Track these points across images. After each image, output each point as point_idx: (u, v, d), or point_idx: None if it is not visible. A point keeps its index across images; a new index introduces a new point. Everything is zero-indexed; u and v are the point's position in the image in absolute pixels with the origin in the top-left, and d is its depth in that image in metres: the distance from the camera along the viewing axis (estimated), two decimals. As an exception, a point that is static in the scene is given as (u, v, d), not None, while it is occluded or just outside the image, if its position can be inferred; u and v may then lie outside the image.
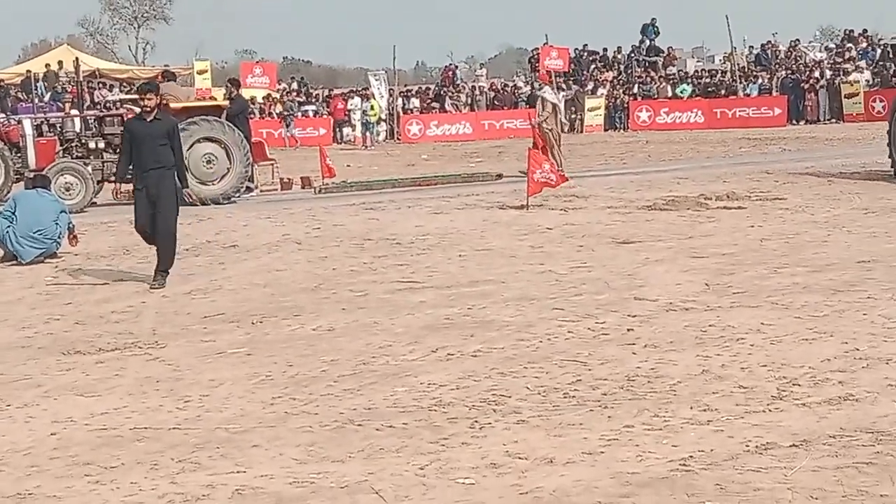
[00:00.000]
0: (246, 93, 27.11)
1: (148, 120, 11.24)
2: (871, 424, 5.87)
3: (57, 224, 13.13)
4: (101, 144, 19.82)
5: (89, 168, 19.26)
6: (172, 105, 19.81)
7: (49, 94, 38.22)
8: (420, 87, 50.41)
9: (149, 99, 11.28)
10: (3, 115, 27.68)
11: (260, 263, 12.40)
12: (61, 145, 19.72)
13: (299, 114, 42.09)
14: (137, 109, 20.40)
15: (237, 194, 19.84)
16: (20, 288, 11.50)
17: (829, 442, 5.64)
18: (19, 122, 20.50)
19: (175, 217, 11.35)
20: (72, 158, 19.46)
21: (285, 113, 40.00)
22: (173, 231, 11.33)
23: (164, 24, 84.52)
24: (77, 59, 27.91)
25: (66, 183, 18.68)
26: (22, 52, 74.90)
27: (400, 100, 43.44)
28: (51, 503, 5.32)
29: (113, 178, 20.01)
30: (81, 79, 21.82)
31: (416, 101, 44.66)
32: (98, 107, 32.75)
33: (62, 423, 6.56)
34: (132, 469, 5.69)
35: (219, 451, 5.92)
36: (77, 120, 20.24)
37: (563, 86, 43.24)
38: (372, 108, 39.87)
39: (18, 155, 19.80)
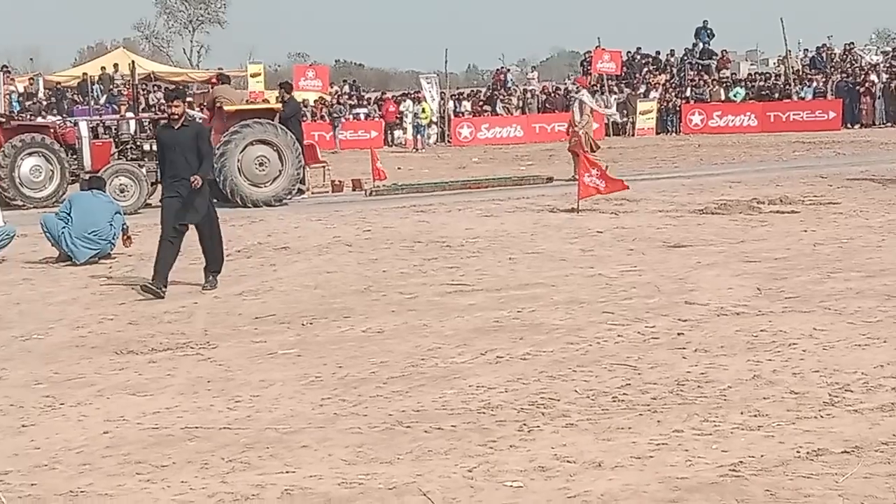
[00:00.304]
0: (298, 96, 27.27)
1: (176, 127, 11.29)
2: (924, 432, 5.80)
3: (111, 225, 13.29)
4: (156, 147, 19.99)
5: (143, 170, 19.46)
6: (226, 108, 20.01)
7: (105, 96, 38.63)
8: (472, 91, 50.36)
9: (176, 106, 11.31)
10: (60, 118, 28.09)
11: (310, 265, 12.46)
12: (116, 147, 19.96)
13: (350, 116, 42.24)
14: (190, 113, 20.88)
15: (289, 196, 19.96)
16: (75, 288, 11.64)
17: (881, 448, 5.58)
18: (75, 124, 20.77)
19: (215, 219, 11.42)
20: (126, 160, 19.68)
21: (333, 115, 40.14)
22: (218, 233, 11.41)
23: (218, 28, 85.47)
24: (133, 62, 28.23)
25: (120, 184, 18.90)
26: (78, 55, 75.70)
27: (451, 103, 43.44)
28: (103, 501, 5.38)
29: None
30: (137, 82, 22.03)
31: (467, 105, 44.66)
32: (153, 109, 33.08)
33: (115, 421, 6.64)
34: (183, 468, 5.74)
35: (268, 451, 5.96)
36: (132, 122, 20.47)
37: (616, 89, 43.20)
38: (423, 110, 39.92)
39: (74, 157, 20.07)
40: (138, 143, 19.99)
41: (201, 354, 8.34)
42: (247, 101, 23.15)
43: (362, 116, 43.15)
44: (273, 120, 20.04)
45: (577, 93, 23.27)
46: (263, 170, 19.58)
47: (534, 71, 52.87)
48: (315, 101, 41.46)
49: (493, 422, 6.31)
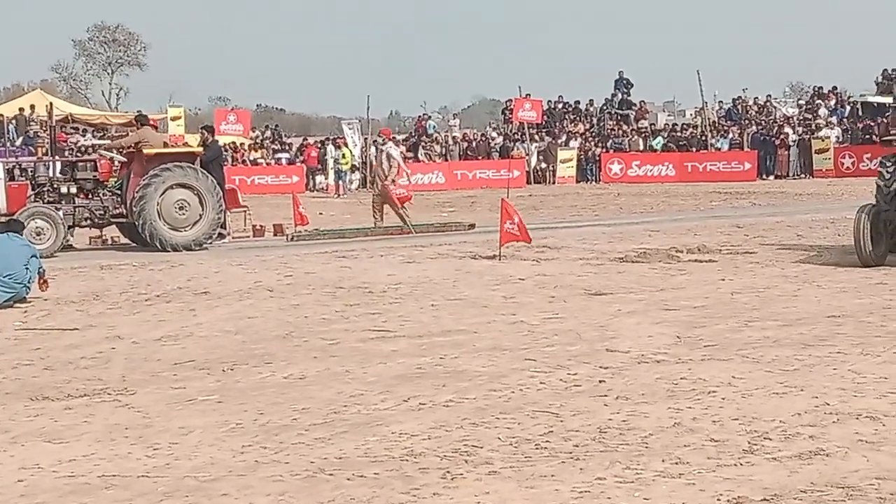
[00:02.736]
0: (220, 140, 27.11)
1: None
2: (841, 479, 5.88)
3: (27, 268, 13.05)
4: (74, 189, 19.79)
5: (61, 213, 19.20)
6: (146, 151, 19.83)
7: (21, 138, 38.08)
8: (394, 137, 50.44)
9: None
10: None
11: (231, 310, 12.35)
12: (33, 190, 19.66)
13: (271, 161, 42.08)
14: (109, 155, 20.68)
15: (209, 241, 19.80)
16: (-12, 332, 11.40)
17: (800, 497, 5.65)
18: (-10, 166, 20.39)
19: None
20: (43, 203, 19.39)
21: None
22: None
23: (138, 70, 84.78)
24: (50, 103, 27.84)
25: (36, 227, 18.59)
26: (-6, 96, 74.60)
27: (373, 149, 43.48)
28: (16, 551, 5.25)
29: (84, 224, 20.11)
30: (54, 123, 21.76)
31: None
32: (71, 152, 32.65)
33: (29, 469, 6.49)
34: (100, 517, 5.63)
35: (188, 499, 5.86)
36: (49, 164, 20.17)
37: (536, 137, 43.63)
38: (343, 156, 39.93)
39: None
40: (55, 186, 19.74)
41: (119, 401, 8.20)
42: (166, 144, 23.00)
43: (284, 161, 43.04)
44: (194, 163, 19.92)
45: (382, 144, 23.08)
46: (183, 213, 19.42)
47: (455, 118, 53.21)
48: (235, 145, 41.28)
49: (416, 469, 6.27)
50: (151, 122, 23.15)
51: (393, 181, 21.64)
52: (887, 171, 14.77)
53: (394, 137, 24.56)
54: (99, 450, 6.86)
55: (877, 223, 14.38)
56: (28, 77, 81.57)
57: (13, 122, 39.77)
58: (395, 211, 21.49)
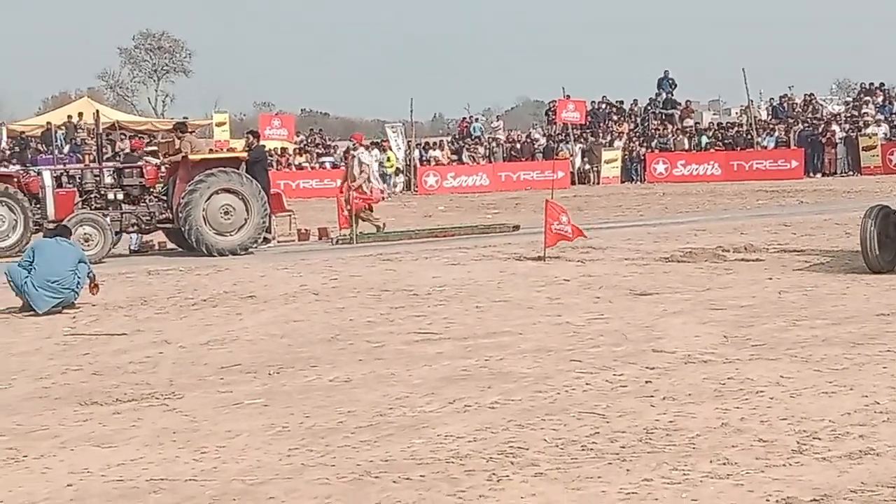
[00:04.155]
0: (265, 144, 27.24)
1: None
2: (892, 479, 5.81)
3: (75, 273, 13.14)
4: (120, 196, 19.99)
5: (108, 219, 19.39)
6: (191, 157, 19.99)
7: (68, 145, 38.49)
8: (438, 141, 50.52)
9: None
10: (24, 167, 27.92)
11: (277, 314, 12.40)
12: (80, 196, 19.87)
13: (316, 165, 42.25)
14: (155, 161, 20.86)
15: (255, 245, 19.91)
16: (38, 338, 11.52)
17: (849, 497, 5.58)
18: (39, 173, 20.65)
19: None
20: (91, 209, 19.59)
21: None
22: None
23: (183, 77, 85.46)
24: (97, 111, 28.20)
25: (84, 234, 18.79)
26: (42, 104, 75.50)
27: (417, 151, 43.58)
28: (66, 555, 5.29)
29: (131, 229, 20.31)
30: (101, 131, 21.99)
31: (436, 153, 44.76)
32: (118, 158, 33.00)
33: (79, 474, 6.54)
34: (148, 521, 5.67)
35: (235, 502, 5.89)
36: (96, 171, 20.38)
37: (581, 138, 43.50)
38: (388, 159, 39.99)
39: (38, 206, 19.94)
40: (102, 192, 19.94)
41: (166, 405, 8.26)
42: (211, 149, 23.16)
43: (328, 165, 43.19)
44: (238, 168, 20.05)
45: (354, 150, 22.89)
46: (229, 218, 19.55)
47: (499, 120, 53.18)
48: (280, 150, 41.50)
49: (462, 471, 6.27)
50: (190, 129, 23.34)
51: (359, 187, 21.54)
52: None
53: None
54: (147, 454, 6.91)
55: (886, 226, 13.99)
56: (75, 85, 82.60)
57: (61, 129, 40.20)
58: (353, 217, 21.15)
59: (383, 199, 21.92)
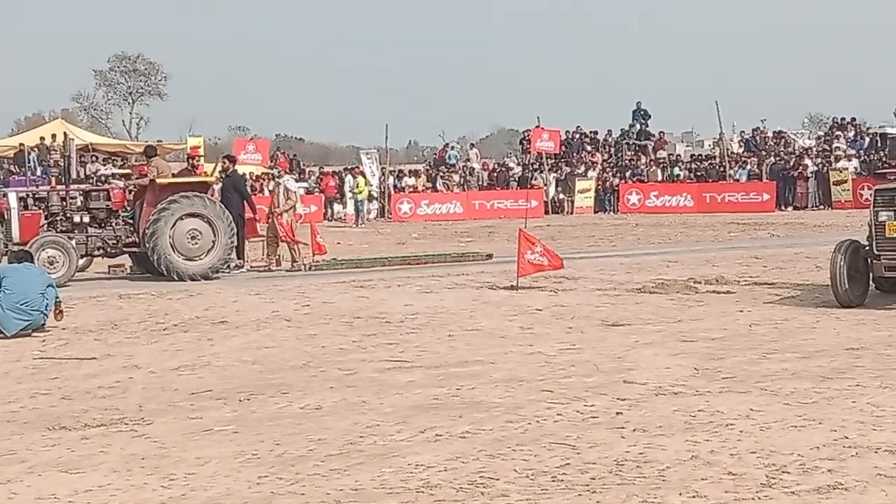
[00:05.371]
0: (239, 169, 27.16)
1: None
2: (860, 514, 5.84)
3: (44, 296, 13.09)
4: (87, 219, 19.88)
5: (73, 242, 19.29)
6: (158, 181, 19.93)
7: (41, 167, 38.27)
8: (412, 170, 50.59)
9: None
10: (-5, 188, 27.73)
11: (248, 340, 12.36)
12: (46, 219, 19.75)
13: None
14: (121, 184, 20.79)
15: (225, 266, 19.88)
16: (7, 361, 11.43)
17: (818, 531, 5.60)
18: (4, 195, 20.53)
19: None
20: (56, 232, 19.48)
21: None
22: None
23: (158, 100, 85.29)
24: (65, 133, 28.08)
25: (49, 257, 18.66)
26: (15, 125, 75.11)
27: (391, 178, 43.63)
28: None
29: (97, 253, 20.20)
30: (71, 153, 21.87)
31: (409, 180, 44.86)
32: (90, 180, 32.86)
33: (46, 499, 6.49)
34: (115, 548, 5.62)
35: (203, 530, 5.85)
36: (62, 194, 20.25)
37: (554, 167, 43.66)
38: (358, 185, 39.93)
39: (2, 228, 19.79)
40: (68, 215, 19.83)
41: (136, 431, 8.20)
42: (188, 169, 23.13)
43: (302, 191, 43.10)
44: (205, 192, 20.03)
45: (279, 177, 22.80)
46: (196, 243, 19.50)
47: (473, 148, 53.29)
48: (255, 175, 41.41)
49: (432, 501, 6.25)
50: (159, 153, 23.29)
51: (284, 213, 21.55)
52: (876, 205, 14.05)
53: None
54: (115, 480, 6.86)
55: (855, 261, 14.01)
56: (49, 106, 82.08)
57: (34, 150, 39.99)
58: (289, 245, 21.29)
59: (299, 223, 21.90)
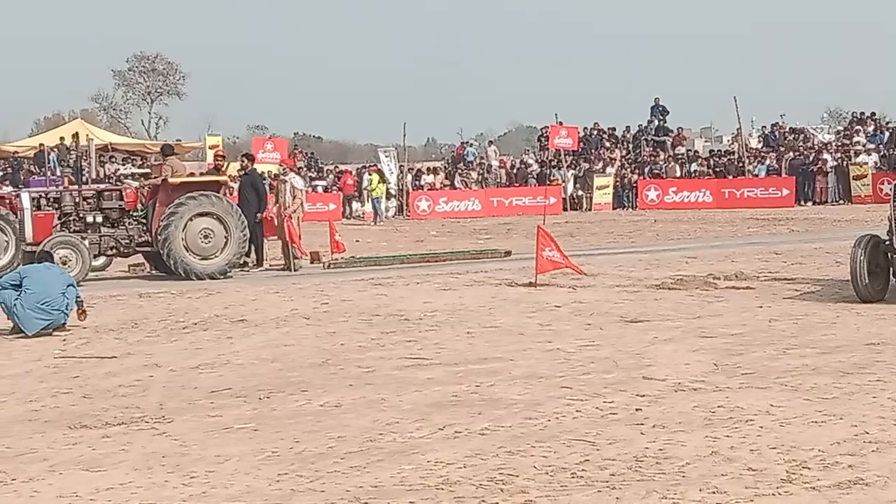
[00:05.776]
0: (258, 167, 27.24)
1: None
2: (881, 509, 5.82)
3: (64, 295, 13.16)
4: (99, 218, 19.96)
5: (86, 242, 19.37)
6: (171, 180, 20.00)
7: (60, 167, 38.40)
8: (431, 167, 50.63)
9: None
10: (16, 188, 27.88)
11: (268, 338, 12.40)
12: (59, 219, 19.83)
13: (309, 188, 42.25)
14: (134, 184, 20.86)
15: (240, 261, 19.95)
16: (28, 361, 11.50)
17: (839, 526, 5.59)
18: (17, 195, 20.62)
19: None
20: (69, 232, 19.56)
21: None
22: None
23: (177, 100, 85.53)
24: (76, 133, 28.08)
25: (62, 257, 18.71)
26: (35, 126, 75.50)
27: (409, 176, 43.67)
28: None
29: (110, 252, 20.28)
30: (82, 153, 21.88)
31: (428, 178, 44.89)
32: (110, 180, 33.00)
33: (67, 497, 6.53)
34: (136, 545, 5.65)
35: (224, 528, 5.88)
36: (75, 194, 20.32)
37: (573, 164, 43.60)
38: (371, 182, 39.88)
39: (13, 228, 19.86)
40: (81, 215, 19.90)
41: (156, 429, 8.24)
42: (192, 173, 23.17)
43: (320, 189, 43.22)
44: (218, 191, 20.08)
45: (284, 175, 22.56)
46: (209, 241, 19.55)
47: (491, 145, 53.29)
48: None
49: (452, 498, 6.26)
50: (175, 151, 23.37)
51: (294, 213, 21.50)
52: None
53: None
54: (136, 478, 6.89)
55: (875, 255, 13.98)
56: (69, 106, 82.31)
57: (54, 151, 40.15)
58: (287, 244, 21.04)
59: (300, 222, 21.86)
